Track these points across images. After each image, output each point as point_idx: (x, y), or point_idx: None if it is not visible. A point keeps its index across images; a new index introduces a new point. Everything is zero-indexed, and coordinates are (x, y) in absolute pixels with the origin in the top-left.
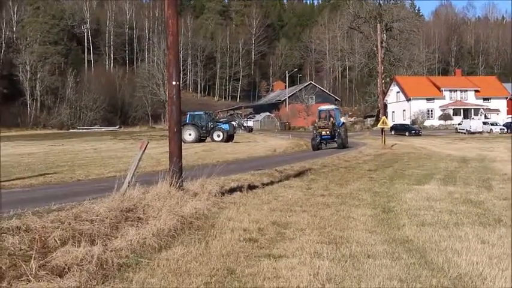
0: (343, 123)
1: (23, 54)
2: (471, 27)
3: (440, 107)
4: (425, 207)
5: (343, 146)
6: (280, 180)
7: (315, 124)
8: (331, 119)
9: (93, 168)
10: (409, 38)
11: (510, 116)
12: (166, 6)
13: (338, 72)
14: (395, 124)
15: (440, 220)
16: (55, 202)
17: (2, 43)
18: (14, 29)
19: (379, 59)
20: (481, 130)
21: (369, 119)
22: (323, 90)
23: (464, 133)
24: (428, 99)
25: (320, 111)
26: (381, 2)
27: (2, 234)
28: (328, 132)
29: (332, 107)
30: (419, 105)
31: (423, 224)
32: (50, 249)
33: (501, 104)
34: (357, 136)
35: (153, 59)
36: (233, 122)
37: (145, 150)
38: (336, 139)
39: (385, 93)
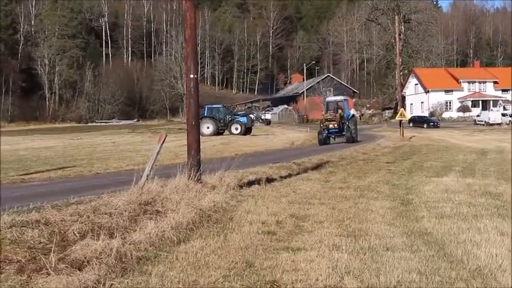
0: (353, 115)
1: (41, 48)
2: (489, 18)
3: (458, 98)
4: (444, 200)
5: (353, 140)
6: (299, 173)
7: (322, 117)
8: (340, 111)
9: (112, 161)
10: (427, 30)
11: None
12: None
13: (356, 64)
14: (414, 116)
15: (459, 212)
16: (74, 195)
17: (20, 37)
18: (33, 22)
19: (397, 51)
20: (499, 122)
21: (387, 111)
22: (341, 83)
23: (483, 125)
24: (446, 91)
25: (328, 102)
26: None
27: (22, 228)
28: (335, 126)
29: (340, 98)
30: (437, 97)
31: (442, 216)
32: (69, 243)
33: None
34: (375, 128)
35: (170, 52)
36: (251, 115)
37: (164, 144)
38: (344, 133)
39: (403, 86)
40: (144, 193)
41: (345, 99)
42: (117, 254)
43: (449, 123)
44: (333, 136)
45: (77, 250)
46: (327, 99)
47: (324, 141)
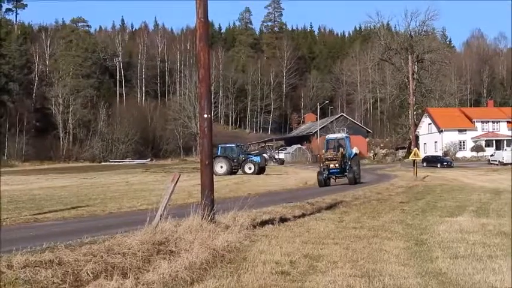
0: (356, 154)
1: (55, 88)
2: (503, 57)
3: (472, 138)
4: (459, 240)
5: (355, 181)
6: (312, 213)
7: (322, 156)
8: (341, 149)
9: (125, 201)
10: (441, 69)
11: None
12: (198, 39)
13: (369, 104)
14: (427, 156)
15: (474, 252)
16: (87, 235)
17: (35, 76)
18: (47, 62)
19: (411, 91)
20: None
21: (400, 151)
22: (354, 122)
23: (497, 164)
24: (460, 131)
25: (327, 140)
26: (412, 33)
27: (35, 268)
28: (337, 165)
29: (342, 135)
30: (451, 137)
31: (456, 257)
32: (83, 283)
33: None
34: (388, 168)
35: (184, 92)
36: (264, 154)
37: (177, 183)
38: (346, 173)
39: (416, 125)
40: (157, 233)
41: (346, 137)
42: None
43: (463, 163)
44: (334, 177)
45: None
46: (326, 136)
47: (324, 183)
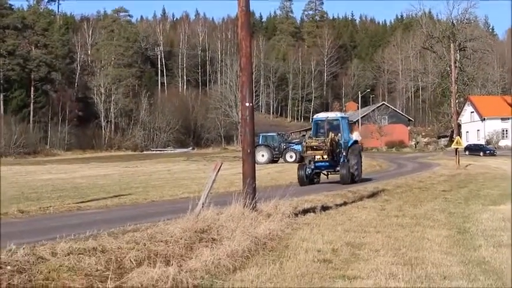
0: (355, 141)
1: (97, 77)
2: None
3: None
4: (502, 228)
5: (352, 179)
6: (354, 201)
7: (305, 143)
8: (331, 134)
9: (167, 189)
10: (483, 58)
11: None
12: (240, 28)
13: (411, 92)
14: (470, 144)
15: None
16: (130, 223)
17: (77, 66)
18: (89, 52)
19: (453, 79)
20: None
21: (442, 140)
22: (396, 111)
23: None
24: (502, 119)
25: (316, 121)
26: (454, 21)
27: (79, 255)
28: (324, 157)
29: (336, 114)
30: (493, 125)
31: (500, 245)
32: (126, 270)
33: None
34: (430, 156)
35: (225, 81)
36: None
37: (219, 172)
38: (339, 167)
39: (458, 113)
40: (199, 221)
41: (342, 118)
42: (174, 282)
43: (505, 151)
44: (325, 172)
45: (133, 277)
46: (314, 117)
47: (307, 181)
